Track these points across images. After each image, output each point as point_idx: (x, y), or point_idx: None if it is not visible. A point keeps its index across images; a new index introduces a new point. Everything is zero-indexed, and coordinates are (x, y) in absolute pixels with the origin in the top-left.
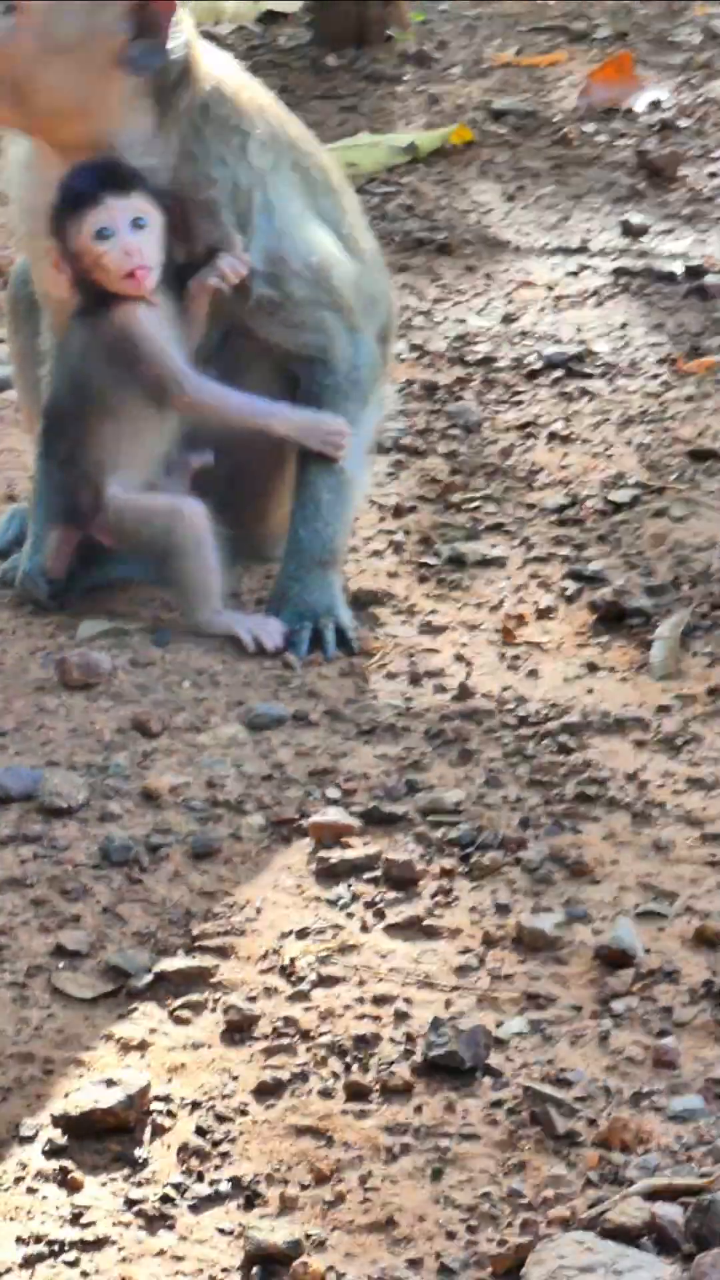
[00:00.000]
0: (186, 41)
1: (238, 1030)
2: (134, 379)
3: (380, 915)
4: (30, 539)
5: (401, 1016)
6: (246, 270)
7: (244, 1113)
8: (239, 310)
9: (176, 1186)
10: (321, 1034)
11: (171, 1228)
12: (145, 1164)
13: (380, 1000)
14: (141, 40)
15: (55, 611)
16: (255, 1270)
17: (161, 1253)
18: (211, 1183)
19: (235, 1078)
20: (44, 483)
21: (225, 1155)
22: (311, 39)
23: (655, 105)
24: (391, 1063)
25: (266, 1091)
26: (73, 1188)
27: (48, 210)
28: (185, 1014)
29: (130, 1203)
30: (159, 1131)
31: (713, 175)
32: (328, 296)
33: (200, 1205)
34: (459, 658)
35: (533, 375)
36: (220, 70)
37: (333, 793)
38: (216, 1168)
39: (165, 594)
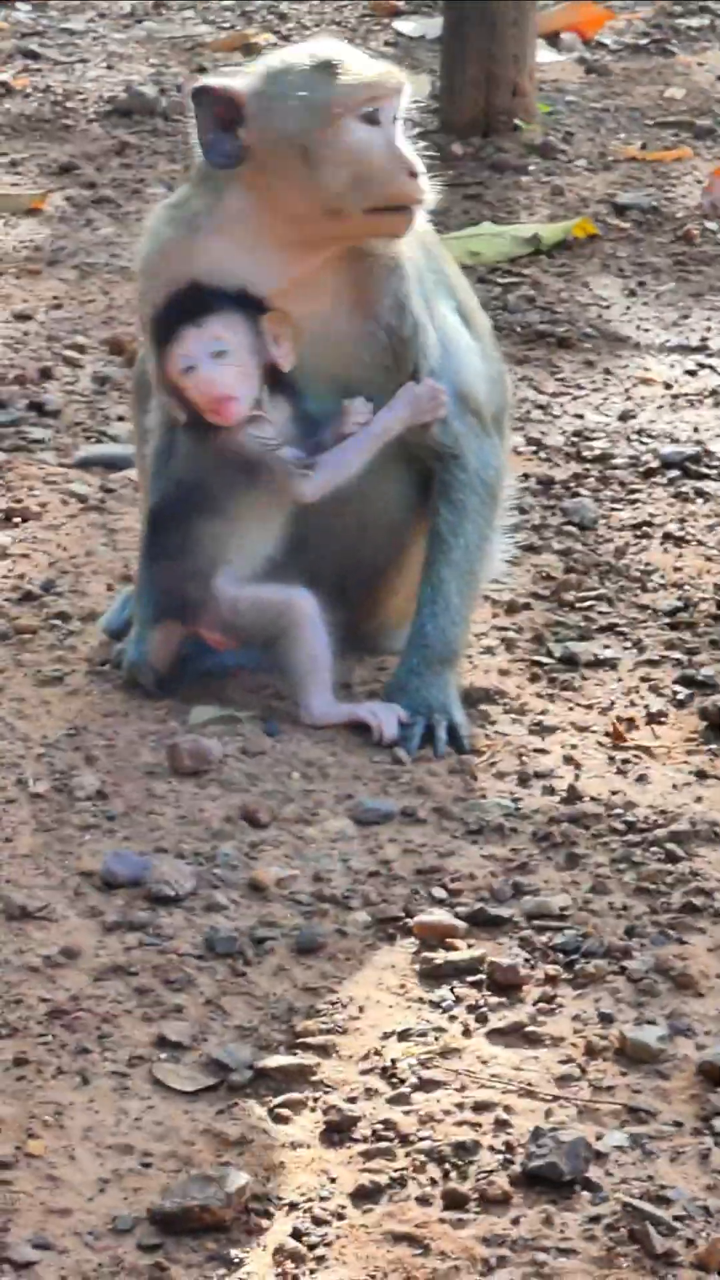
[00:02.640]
0: None
1: (337, 1131)
2: (245, 484)
3: (483, 1020)
4: (135, 628)
5: (501, 1124)
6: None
7: (341, 1216)
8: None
9: None
10: (421, 1139)
11: None
12: (240, 1264)
13: (480, 1107)
14: None
15: (165, 698)
16: None
17: None
18: None
19: (333, 1180)
20: (148, 580)
21: (321, 1259)
22: (439, 126)
23: None
24: (490, 1172)
25: (364, 1196)
26: None
27: (148, 339)
28: (285, 1112)
29: None
30: (255, 1232)
31: None
32: (461, 392)
33: None
34: (568, 759)
35: (649, 474)
36: None
37: (439, 892)
38: (312, 1272)
39: (277, 683)
